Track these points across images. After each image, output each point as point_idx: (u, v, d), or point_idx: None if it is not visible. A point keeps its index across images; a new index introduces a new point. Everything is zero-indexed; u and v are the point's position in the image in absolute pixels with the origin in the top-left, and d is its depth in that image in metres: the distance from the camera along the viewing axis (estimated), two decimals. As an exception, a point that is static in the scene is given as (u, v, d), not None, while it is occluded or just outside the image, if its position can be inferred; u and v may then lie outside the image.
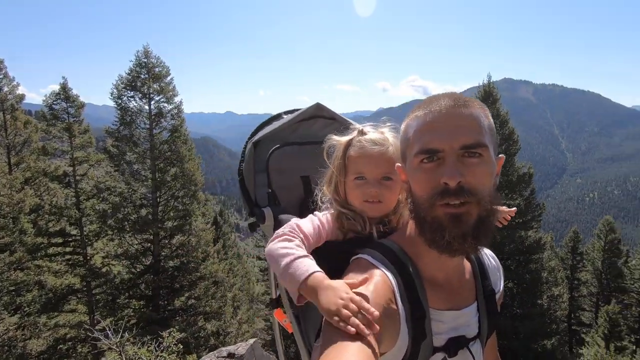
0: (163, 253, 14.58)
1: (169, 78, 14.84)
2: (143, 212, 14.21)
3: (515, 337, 15.12)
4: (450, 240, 0.82)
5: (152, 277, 14.00)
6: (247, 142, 1.50)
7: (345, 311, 0.75)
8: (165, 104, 14.71)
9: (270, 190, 1.38)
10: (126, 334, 7.52)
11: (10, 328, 11.64)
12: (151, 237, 14.34)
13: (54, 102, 13.94)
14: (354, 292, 0.80)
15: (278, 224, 1.21)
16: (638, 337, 18.06)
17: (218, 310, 14.74)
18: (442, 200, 0.81)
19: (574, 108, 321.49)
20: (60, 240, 13.79)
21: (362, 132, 1.11)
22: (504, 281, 1.16)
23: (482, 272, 1.04)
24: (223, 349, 6.40)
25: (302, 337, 1.24)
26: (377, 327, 0.75)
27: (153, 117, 14.42)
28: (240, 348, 6.15)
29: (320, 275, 0.87)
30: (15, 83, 15.67)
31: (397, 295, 0.86)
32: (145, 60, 14.48)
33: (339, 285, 0.82)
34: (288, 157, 1.43)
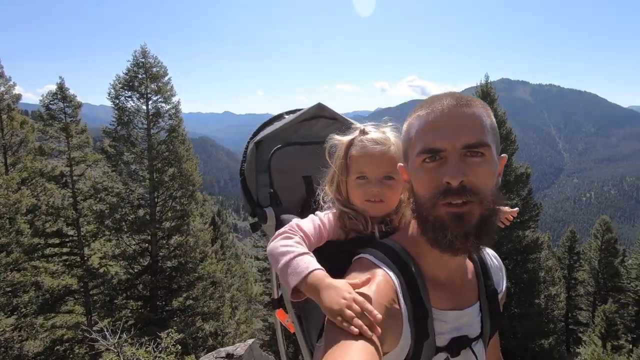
0: (161, 253, 14.54)
1: (166, 78, 14.80)
2: (141, 212, 14.16)
3: (512, 337, 15.18)
4: (452, 240, 0.82)
5: (149, 277, 13.95)
6: (248, 142, 1.50)
7: (348, 311, 0.75)
8: (163, 104, 14.67)
9: (272, 191, 1.38)
10: (124, 335, 7.48)
11: (7, 329, 11.57)
12: (149, 237, 14.28)
13: (51, 102, 13.87)
14: (357, 293, 0.80)
15: (280, 224, 1.22)
16: (635, 336, 18.15)
17: (216, 311, 14.70)
18: (444, 199, 0.81)
19: (570, 108, 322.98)
20: (57, 241, 13.72)
21: (363, 132, 1.12)
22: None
23: (485, 272, 1.05)
24: (221, 349, 6.38)
25: (304, 337, 1.24)
26: (380, 330, 0.76)
27: (151, 117, 14.37)
28: (239, 349, 6.13)
29: (321, 273, 0.87)
30: (11, 83, 15.60)
31: (400, 295, 0.86)
32: (143, 60, 14.43)
33: (342, 284, 0.82)
34: (290, 157, 1.44)
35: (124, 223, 13.79)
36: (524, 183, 16.49)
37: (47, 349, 12.52)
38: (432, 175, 0.82)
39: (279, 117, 1.57)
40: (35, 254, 12.99)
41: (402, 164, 0.96)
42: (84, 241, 13.88)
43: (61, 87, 13.91)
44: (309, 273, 0.87)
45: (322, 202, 1.20)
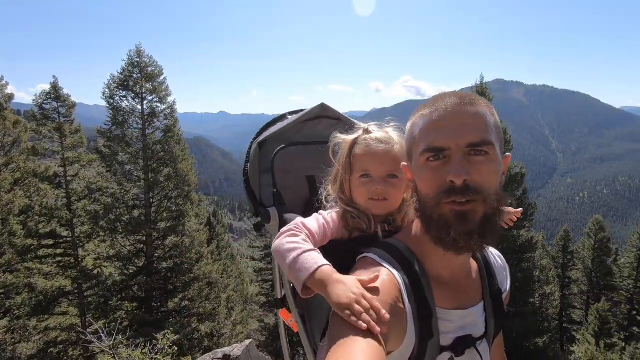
0: (156, 254, 14.45)
1: (162, 77, 14.70)
2: (136, 213, 14.06)
3: (507, 336, 15.29)
4: (456, 238, 0.82)
5: (145, 278, 13.85)
6: (252, 143, 1.51)
7: (357, 306, 0.76)
8: (158, 104, 14.57)
9: (275, 190, 1.38)
10: (119, 337, 7.43)
11: (0, 332, 11.44)
12: (144, 238, 14.18)
13: (45, 102, 13.70)
14: (365, 289, 0.81)
15: (283, 224, 1.22)
16: (627, 334, 18.37)
17: (212, 312, 14.64)
18: (448, 198, 0.81)
19: (564, 109, 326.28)
20: (51, 242, 13.56)
21: (367, 131, 1.13)
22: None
23: (489, 271, 1.05)
24: (218, 350, 6.36)
25: (307, 336, 1.24)
26: (386, 329, 0.76)
27: (146, 117, 14.27)
28: (236, 349, 6.11)
29: (329, 269, 0.87)
30: (4, 82, 15.37)
31: (404, 294, 0.86)
32: (138, 59, 14.33)
33: (350, 280, 0.82)
34: (293, 157, 1.44)
35: (118, 224, 13.68)
36: (519, 183, 16.62)
37: (40, 352, 12.36)
38: (436, 174, 0.83)
39: (282, 117, 1.58)
40: (29, 255, 12.84)
41: (405, 163, 0.96)
42: (78, 242, 13.73)
43: (55, 87, 13.76)
44: (317, 268, 0.87)
45: (324, 202, 1.20)
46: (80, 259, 13.75)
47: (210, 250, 16.08)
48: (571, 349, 16.92)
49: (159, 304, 14.47)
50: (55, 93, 13.73)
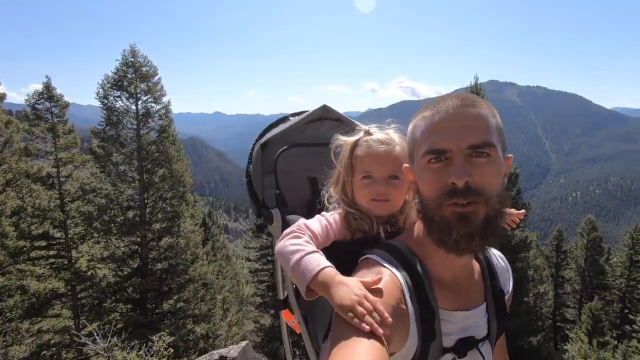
0: (151, 255, 14.33)
1: (156, 78, 14.57)
2: (130, 214, 13.92)
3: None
4: (457, 239, 0.82)
5: (139, 280, 13.72)
6: (254, 144, 1.51)
7: (360, 308, 0.76)
8: (153, 104, 14.44)
9: (278, 192, 1.38)
10: (114, 339, 7.36)
11: (-9, 334, 11.29)
12: (139, 239, 14.05)
13: (37, 102, 13.51)
14: (368, 291, 0.81)
15: (286, 225, 1.22)
16: (619, 332, 18.60)
17: (207, 313, 14.56)
18: (449, 200, 0.81)
19: (557, 110, 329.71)
20: (44, 244, 13.38)
21: (368, 133, 1.13)
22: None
23: (491, 273, 1.05)
24: (214, 352, 6.33)
25: (310, 338, 1.24)
26: (389, 330, 0.76)
27: (140, 117, 14.14)
28: (232, 351, 6.08)
29: (332, 271, 0.87)
30: (-5, 82, 15.20)
31: (407, 295, 0.86)
32: (132, 59, 14.20)
33: (353, 282, 0.83)
34: (296, 158, 1.44)
35: (112, 225, 13.53)
36: (513, 183, 16.76)
37: (33, 354, 12.20)
38: (438, 176, 0.83)
39: (285, 119, 1.58)
40: (21, 257, 12.65)
41: (407, 165, 0.96)
42: (71, 243, 13.57)
43: (48, 87, 13.59)
44: (320, 270, 0.87)
45: (326, 203, 1.21)
46: (73, 261, 13.58)
47: (206, 251, 15.99)
48: (565, 347, 17.09)
49: (153, 305, 14.35)
50: (47, 93, 13.57)
